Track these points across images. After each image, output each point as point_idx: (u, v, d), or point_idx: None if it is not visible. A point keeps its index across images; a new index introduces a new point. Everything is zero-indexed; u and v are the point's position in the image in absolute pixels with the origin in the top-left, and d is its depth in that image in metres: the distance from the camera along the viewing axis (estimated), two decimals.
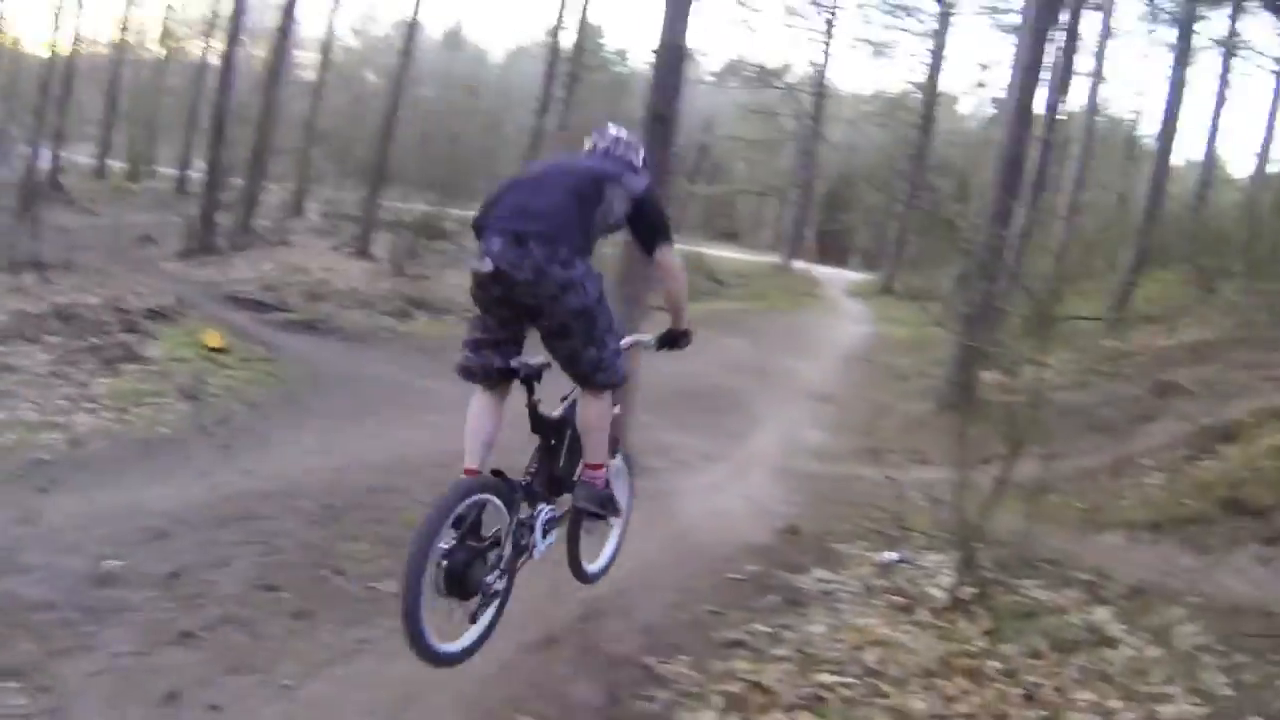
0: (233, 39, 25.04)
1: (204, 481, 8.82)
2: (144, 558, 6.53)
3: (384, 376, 14.76)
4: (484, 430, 4.33)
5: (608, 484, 4.66)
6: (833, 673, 5.74)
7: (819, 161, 46.91)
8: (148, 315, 14.68)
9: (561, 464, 4.71)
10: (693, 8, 11.05)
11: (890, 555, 8.37)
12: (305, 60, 38.50)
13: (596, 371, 4.28)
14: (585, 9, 32.54)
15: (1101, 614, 7.03)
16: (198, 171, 25.81)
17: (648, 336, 5.32)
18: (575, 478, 4.71)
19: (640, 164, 4.65)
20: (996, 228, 14.38)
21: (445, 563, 3.87)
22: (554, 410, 4.66)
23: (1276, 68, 29.26)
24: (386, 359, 16.19)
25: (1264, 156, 31.50)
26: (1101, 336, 20.14)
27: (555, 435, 4.66)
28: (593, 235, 4.21)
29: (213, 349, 13.67)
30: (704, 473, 11.31)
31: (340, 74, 39.17)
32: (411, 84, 30.25)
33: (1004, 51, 40.28)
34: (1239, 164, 53.62)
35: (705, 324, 24.03)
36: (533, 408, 4.49)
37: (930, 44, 38.85)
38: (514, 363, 4.28)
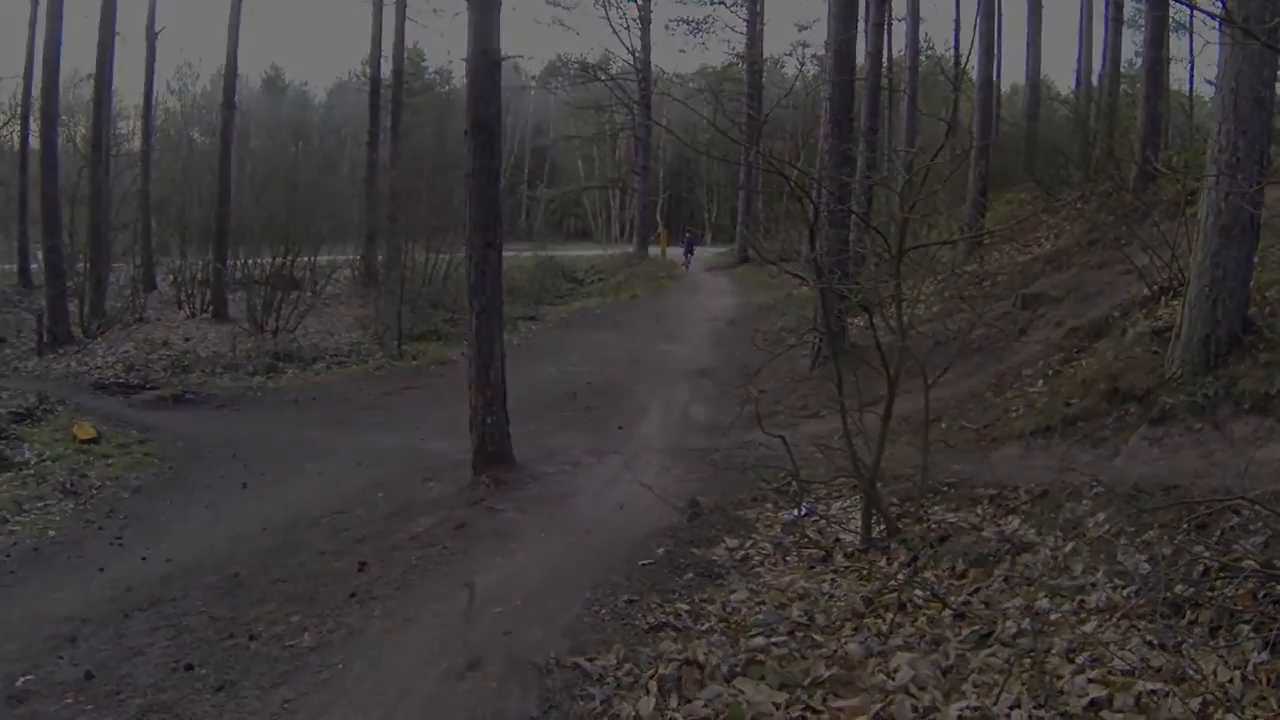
0: (49, 119, 23.67)
1: (103, 576, 8.56)
2: (55, 665, 6.22)
3: (262, 436, 14.39)
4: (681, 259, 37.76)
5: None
6: (763, 634, 5.63)
7: (656, 146, 47.16)
8: (12, 419, 14.00)
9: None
10: (501, 12, 10.86)
11: (796, 511, 8.32)
12: (127, 130, 37.02)
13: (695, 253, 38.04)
14: (400, 33, 31.73)
15: (1013, 523, 7.05)
16: (38, 262, 24.45)
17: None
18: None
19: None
20: (836, 175, 14.50)
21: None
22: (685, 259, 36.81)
23: None
24: (261, 418, 15.80)
25: (1083, 68, 32.78)
26: (962, 263, 20.58)
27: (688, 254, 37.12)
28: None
29: (85, 441, 13.27)
30: (597, 468, 11.14)
31: (166, 138, 38.02)
32: (239, 137, 29.49)
33: (820, 8, 40.77)
34: (1062, 80, 55.36)
35: (570, 324, 24.18)
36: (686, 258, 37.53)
37: (745, 13, 39.24)
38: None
